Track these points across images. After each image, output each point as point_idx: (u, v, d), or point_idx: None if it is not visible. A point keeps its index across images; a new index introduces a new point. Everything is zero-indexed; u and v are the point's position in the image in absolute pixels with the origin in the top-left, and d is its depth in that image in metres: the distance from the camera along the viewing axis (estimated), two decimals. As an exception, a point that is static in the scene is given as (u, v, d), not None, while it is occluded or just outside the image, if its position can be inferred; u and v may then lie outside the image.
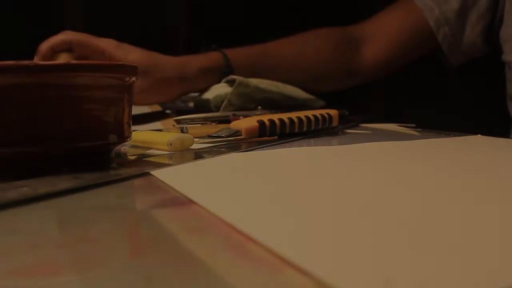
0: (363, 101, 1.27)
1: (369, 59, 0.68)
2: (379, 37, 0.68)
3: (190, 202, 0.20)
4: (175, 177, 0.25)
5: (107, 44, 0.52)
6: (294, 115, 0.43)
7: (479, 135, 0.42)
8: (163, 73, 0.54)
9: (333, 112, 0.47)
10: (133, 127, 0.32)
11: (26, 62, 0.24)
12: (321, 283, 0.12)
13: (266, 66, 0.62)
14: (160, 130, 0.41)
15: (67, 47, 0.52)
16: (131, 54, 0.53)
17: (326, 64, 0.66)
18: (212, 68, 0.58)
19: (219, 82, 0.58)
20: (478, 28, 0.62)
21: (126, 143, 0.34)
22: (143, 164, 0.29)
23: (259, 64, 0.61)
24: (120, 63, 0.28)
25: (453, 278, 0.12)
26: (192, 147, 0.35)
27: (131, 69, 0.29)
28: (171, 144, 0.33)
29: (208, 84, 0.58)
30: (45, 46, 0.51)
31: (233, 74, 0.58)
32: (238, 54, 0.60)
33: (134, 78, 0.29)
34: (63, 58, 0.52)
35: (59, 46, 0.51)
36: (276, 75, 0.62)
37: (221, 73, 0.58)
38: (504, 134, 0.41)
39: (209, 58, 0.58)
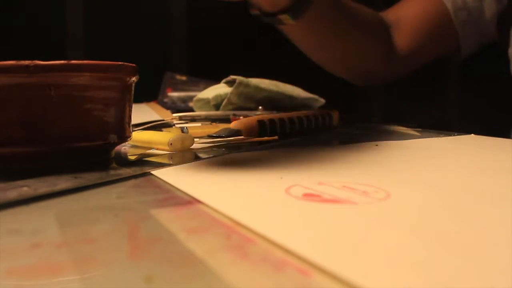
0: (364, 102, 1.27)
1: (398, 47, 0.64)
2: (403, 24, 0.64)
3: (190, 202, 0.20)
4: (176, 176, 0.25)
5: None
6: (294, 114, 0.43)
7: (472, 134, 0.42)
8: None
9: (333, 112, 0.47)
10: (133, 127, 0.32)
11: (26, 62, 0.24)
12: (322, 281, 0.12)
13: (348, 8, 0.58)
14: (160, 130, 0.41)
15: None
16: None
17: (376, 33, 0.63)
18: None
19: None
20: (496, 16, 0.59)
21: (126, 143, 0.34)
22: (143, 164, 0.29)
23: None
24: (120, 63, 0.28)
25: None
26: (192, 147, 0.35)
27: (131, 69, 0.29)
28: (171, 144, 0.33)
29: None
30: None
31: None
32: None
33: (134, 78, 0.29)
34: None
35: None
36: (348, 26, 0.58)
37: None
38: (504, 134, 0.41)
39: None
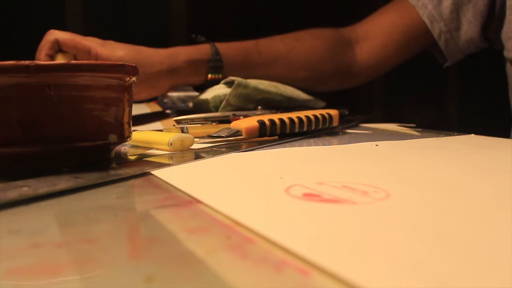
0: (364, 102, 1.27)
1: (363, 60, 0.67)
2: (373, 37, 0.67)
3: (190, 202, 0.20)
4: (176, 176, 0.25)
5: (92, 43, 0.52)
6: (294, 115, 0.43)
7: (472, 134, 0.42)
8: (151, 67, 0.53)
9: (333, 112, 0.47)
10: (133, 127, 0.32)
11: (26, 62, 0.24)
12: (322, 281, 0.12)
13: (258, 62, 0.61)
14: (161, 130, 0.41)
15: (58, 48, 0.52)
16: (117, 51, 0.52)
17: (318, 62, 0.65)
18: (200, 60, 0.57)
19: (207, 74, 0.57)
20: (476, 24, 0.61)
21: (126, 143, 0.34)
22: (143, 164, 0.29)
23: (250, 58, 0.60)
24: (120, 63, 0.28)
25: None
26: (192, 147, 0.35)
27: (131, 69, 0.29)
28: (171, 144, 0.33)
29: (197, 76, 0.57)
30: (42, 55, 0.51)
31: (222, 66, 0.57)
32: (228, 47, 0.59)
33: (134, 78, 0.29)
34: (60, 58, 0.52)
35: (51, 49, 0.51)
36: (268, 71, 0.61)
37: (209, 65, 0.57)
38: (504, 134, 0.41)
39: (198, 50, 0.57)
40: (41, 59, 0.51)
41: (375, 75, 0.70)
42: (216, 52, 0.57)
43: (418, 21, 0.64)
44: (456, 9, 0.61)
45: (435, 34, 0.63)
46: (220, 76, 0.58)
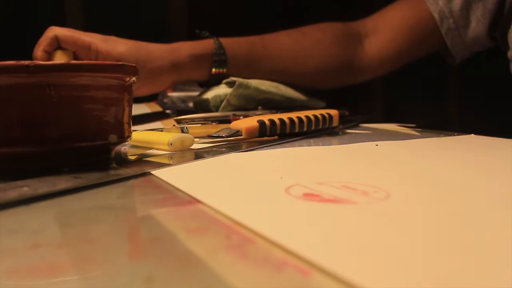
0: (364, 102, 1.27)
1: (372, 54, 0.66)
2: (382, 31, 0.66)
3: (190, 202, 0.20)
4: (176, 176, 0.25)
5: (92, 38, 0.51)
6: (294, 115, 0.43)
7: (472, 134, 0.42)
8: (153, 63, 0.52)
9: (333, 112, 0.47)
10: (133, 127, 0.32)
11: (26, 62, 0.24)
12: (322, 281, 0.12)
13: (263, 55, 0.60)
14: (161, 130, 0.41)
15: (57, 44, 0.51)
16: (118, 46, 0.51)
17: (326, 54, 0.64)
18: (204, 54, 0.56)
19: (211, 68, 0.56)
20: (484, 23, 0.60)
21: (126, 143, 0.34)
22: (143, 164, 0.29)
23: (255, 53, 0.59)
24: (120, 63, 0.28)
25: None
26: (192, 147, 0.35)
27: (131, 69, 0.29)
28: (171, 144, 0.33)
29: (200, 70, 0.56)
30: (39, 51, 0.50)
31: (226, 60, 0.57)
32: (233, 41, 0.58)
33: (134, 78, 0.29)
34: (59, 56, 0.51)
35: (49, 45, 0.50)
36: (273, 64, 0.60)
37: (213, 59, 0.56)
38: (505, 134, 0.41)
39: (201, 44, 0.56)
40: (38, 55, 0.50)
41: (384, 70, 0.69)
42: (220, 46, 0.56)
43: (429, 16, 0.63)
44: (466, 6, 0.61)
45: (443, 30, 0.62)
46: (225, 70, 0.57)
